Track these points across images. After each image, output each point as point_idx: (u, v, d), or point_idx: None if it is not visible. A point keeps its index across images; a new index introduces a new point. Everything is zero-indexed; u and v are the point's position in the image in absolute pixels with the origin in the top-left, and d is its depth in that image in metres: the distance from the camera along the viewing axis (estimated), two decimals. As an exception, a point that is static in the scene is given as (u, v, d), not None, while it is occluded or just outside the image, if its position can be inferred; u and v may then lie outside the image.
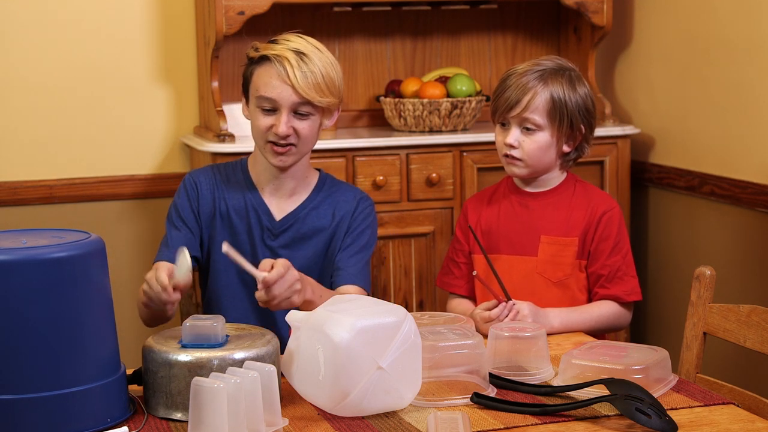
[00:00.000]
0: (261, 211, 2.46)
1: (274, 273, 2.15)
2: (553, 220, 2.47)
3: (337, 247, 2.48)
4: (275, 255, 2.44)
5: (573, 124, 2.44)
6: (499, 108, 2.46)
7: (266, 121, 2.38)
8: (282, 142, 2.37)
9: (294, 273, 2.20)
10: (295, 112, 2.37)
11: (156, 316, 2.31)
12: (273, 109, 2.37)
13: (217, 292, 2.47)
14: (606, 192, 2.55)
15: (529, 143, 2.43)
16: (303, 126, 2.38)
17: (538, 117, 2.42)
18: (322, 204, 2.49)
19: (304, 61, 2.34)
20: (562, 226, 2.47)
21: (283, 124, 2.35)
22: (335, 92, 2.39)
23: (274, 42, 2.40)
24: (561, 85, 2.43)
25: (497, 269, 2.35)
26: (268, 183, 2.47)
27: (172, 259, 2.28)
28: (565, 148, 2.47)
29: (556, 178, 2.51)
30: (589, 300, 2.47)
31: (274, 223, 2.46)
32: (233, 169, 2.52)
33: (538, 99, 2.41)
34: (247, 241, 2.46)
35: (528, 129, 2.43)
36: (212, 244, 2.48)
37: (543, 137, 2.43)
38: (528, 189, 2.52)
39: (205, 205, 2.47)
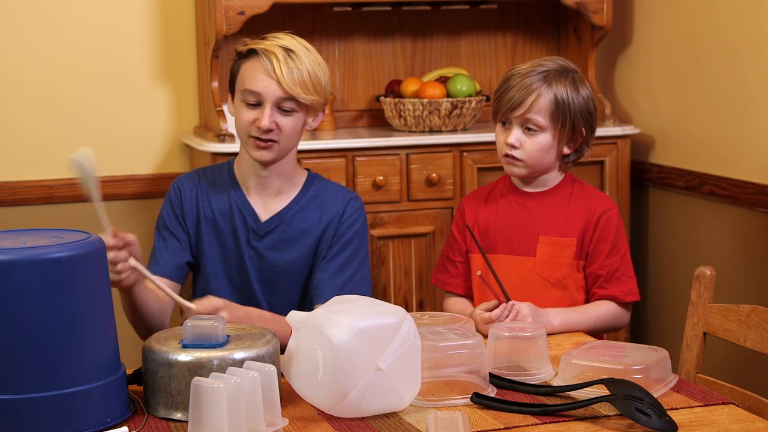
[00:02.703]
0: (246, 211, 2.46)
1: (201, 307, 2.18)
2: (552, 221, 2.47)
3: (322, 256, 2.46)
4: (261, 257, 2.45)
5: (575, 126, 2.44)
6: (501, 108, 2.45)
7: (250, 115, 2.37)
8: (264, 136, 2.37)
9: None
10: (279, 108, 2.37)
11: (132, 308, 2.30)
12: (257, 104, 2.37)
13: (207, 294, 2.46)
14: (604, 192, 2.55)
15: (531, 144, 2.43)
16: (286, 122, 2.38)
17: (541, 118, 2.42)
18: (309, 205, 2.48)
19: (292, 58, 2.35)
20: (561, 227, 2.47)
21: (266, 117, 2.35)
22: (321, 92, 2.39)
23: (263, 39, 2.41)
24: (565, 87, 2.43)
25: (495, 269, 2.35)
26: (254, 182, 2.46)
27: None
28: (566, 150, 2.47)
29: (554, 178, 2.51)
30: (587, 300, 2.47)
31: (259, 224, 2.45)
32: (219, 171, 2.51)
33: (542, 100, 2.41)
34: (232, 243, 2.46)
35: (530, 129, 2.43)
36: (200, 248, 2.47)
37: (545, 138, 2.43)
38: (526, 189, 2.52)
39: (189, 210, 2.47)
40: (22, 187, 3.57)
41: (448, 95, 3.63)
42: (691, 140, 3.58)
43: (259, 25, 3.60)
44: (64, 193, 3.60)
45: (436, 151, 3.51)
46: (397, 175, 3.47)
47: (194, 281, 2.55)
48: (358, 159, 3.44)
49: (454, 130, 3.61)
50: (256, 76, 2.36)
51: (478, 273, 2.34)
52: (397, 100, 3.61)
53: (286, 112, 2.38)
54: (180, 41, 3.68)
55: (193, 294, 2.53)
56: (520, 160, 2.45)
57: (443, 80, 3.70)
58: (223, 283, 2.46)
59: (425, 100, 3.56)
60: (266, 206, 2.47)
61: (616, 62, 3.94)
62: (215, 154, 3.35)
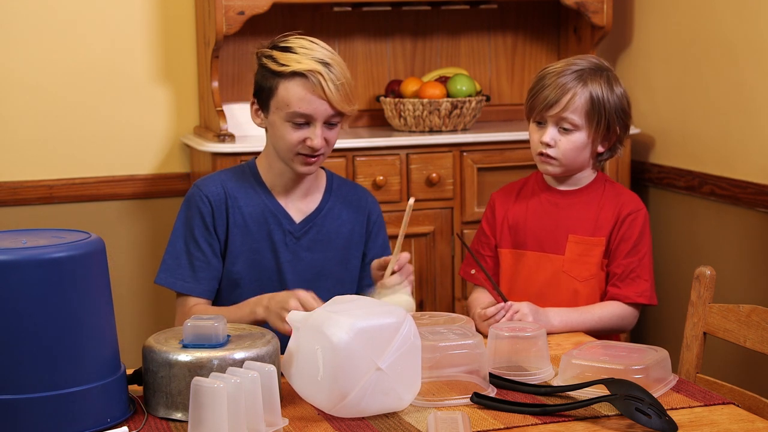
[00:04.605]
0: (280, 215, 2.45)
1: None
2: (582, 219, 2.47)
3: (360, 255, 2.50)
4: (298, 258, 2.45)
5: (609, 125, 2.45)
6: (536, 107, 2.45)
7: (299, 134, 2.36)
8: (314, 154, 2.38)
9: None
10: (325, 123, 2.38)
11: None
12: (304, 123, 2.36)
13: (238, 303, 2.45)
14: (635, 193, 2.55)
15: (566, 143, 2.43)
16: (332, 135, 2.40)
17: (576, 117, 2.42)
18: (336, 205, 2.50)
19: (332, 72, 2.35)
20: (591, 226, 2.46)
21: (318, 137, 2.36)
22: (356, 98, 2.42)
23: (288, 50, 2.37)
24: (600, 86, 2.43)
25: (523, 265, 2.36)
26: (284, 187, 2.46)
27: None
28: (600, 149, 2.48)
29: (586, 177, 2.51)
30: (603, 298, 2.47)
31: (295, 225, 2.46)
32: (242, 174, 2.48)
33: (578, 99, 2.41)
34: (268, 247, 2.44)
35: (565, 129, 2.43)
36: (228, 255, 2.44)
37: (579, 137, 2.43)
38: (559, 187, 2.52)
39: (219, 218, 2.43)
40: (22, 187, 3.57)
41: (448, 95, 3.63)
42: (691, 140, 3.58)
43: (259, 25, 3.61)
44: (64, 193, 3.60)
45: (436, 151, 3.51)
46: (397, 175, 3.47)
47: (221, 291, 2.48)
48: (358, 159, 3.44)
49: (454, 130, 3.61)
50: (305, 98, 2.34)
51: (472, 272, 2.34)
52: (397, 100, 3.61)
53: (332, 126, 2.39)
54: (180, 41, 3.68)
55: (219, 303, 2.48)
56: (554, 158, 2.45)
57: (443, 80, 3.69)
58: (252, 288, 2.42)
59: (425, 100, 3.56)
60: (297, 208, 2.47)
61: (616, 62, 3.94)
62: (215, 154, 3.35)
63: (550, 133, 2.43)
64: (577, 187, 2.51)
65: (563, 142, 2.43)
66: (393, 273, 2.28)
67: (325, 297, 2.38)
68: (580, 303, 2.42)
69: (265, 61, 2.39)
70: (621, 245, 2.45)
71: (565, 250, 2.46)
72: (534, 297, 2.38)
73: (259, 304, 2.25)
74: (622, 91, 2.47)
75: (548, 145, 2.44)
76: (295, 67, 2.34)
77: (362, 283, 2.51)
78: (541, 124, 2.46)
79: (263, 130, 2.47)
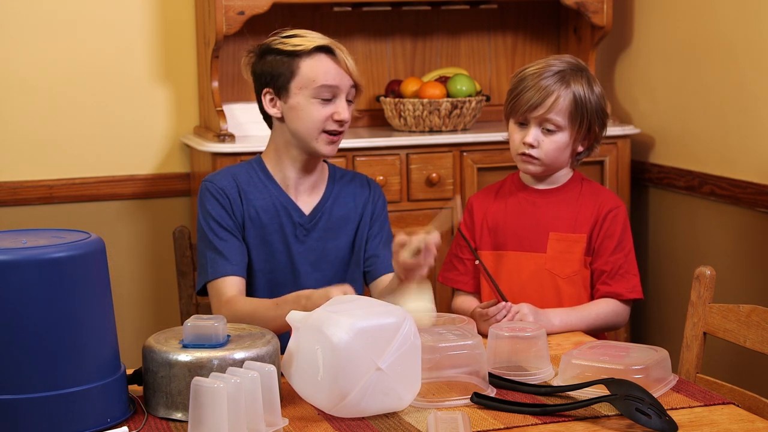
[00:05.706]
0: (291, 208, 2.47)
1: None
2: (562, 217, 2.48)
3: (365, 236, 2.53)
4: (309, 249, 2.48)
5: (590, 124, 2.46)
6: (519, 108, 2.45)
7: (326, 110, 2.40)
8: (340, 129, 2.42)
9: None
10: (346, 99, 2.44)
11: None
12: (330, 98, 2.41)
13: (254, 295, 2.46)
14: (611, 191, 2.56)
15: (548, 143, 2.44)
16: (349, 112, 2.45)
17: (560, 118, 2.43)
18: (341, 193, 2.52)
19: (342, 49, 2.43)
20: (571, 223, 2.47)
21: (345, 109, 2.41)
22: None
23: (296, 36, 2.42)
24: (582, 86, 2.44)
25: (504, 266, 2.36)
26: (293, 180, 2.48)
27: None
28: (579, 148, 2.49)
29: (563, 175, 2.52)
30: (592, 297, 2.48)
31: (304, 218, 2.48)
32: (249, 170, 2.50)
33: (562, 101, 2.42)
34: (280, 239, 2.46)
35: (548, 130, 2.44)
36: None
37: (562, 138, 2.44)
38: (536, 186, 2.52)
39: (237, 210, 2.45)
40: (22, 187, 3.57)
41: (448, 95, 3.63)
42: (691, 140, 3.58)
43: (259, 25, 3.60)
44: (64, 193, 3.60)
45: (436, 151, 3.51)
46: (397, 175, 3.47)
47: None
48: (358, 159, 3.44)
49: (454, 130, 3.61)
50: (331, 71, 2.40)
51: (477, 262, 2.35)
52: (397, 100, 3.61)
53: (350, 102, 2.45)
54: (180, 41, 3.68)
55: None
56: (536, 158, 2.45)
57: (443, 80, 3.70)
58: (265, 279, 2.46)
59: (425, 100, 3.56)
60: (305, 200, 2.50)
61: (616, 62, 3.94)
62: (215, 154, 3.35)
63: (533, 134, 2.44)
64: (555, 186, 2.52)
65: (546, 143, 2.44)
66: (418, 252, 2.29)
67: (332, 282, 2.42)
68: (563, 300, 2.43)
69: (276, 46, 2.42)
70: (605, 242, 2.46)
71: (547, 247, 2.47)
72: (517, 296, 2.38)
73: (297, 304, 2.23)
74: (600, 91, 2.49)
75: (531, 146, 2.44)
76: (318, 42, 2.40)
77: (364, 264, 2.53)
78: (523, 125, 2.47)
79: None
